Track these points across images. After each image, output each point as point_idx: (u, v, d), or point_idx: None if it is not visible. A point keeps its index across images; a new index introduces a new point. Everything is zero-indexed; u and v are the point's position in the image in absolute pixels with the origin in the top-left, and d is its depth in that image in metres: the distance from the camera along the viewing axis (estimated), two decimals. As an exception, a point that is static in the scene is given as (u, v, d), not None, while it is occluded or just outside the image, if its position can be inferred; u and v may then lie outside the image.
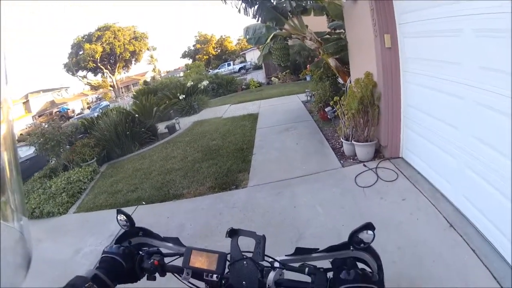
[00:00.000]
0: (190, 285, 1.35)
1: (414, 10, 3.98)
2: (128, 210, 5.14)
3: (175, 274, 1.35)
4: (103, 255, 1.35)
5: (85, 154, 8.72)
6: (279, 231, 4.00)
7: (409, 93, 4.56)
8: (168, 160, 7.77)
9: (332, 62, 7.41)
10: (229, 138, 8.44)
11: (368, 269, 1.20)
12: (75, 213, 6.10)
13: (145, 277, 1.38)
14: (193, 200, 5.43)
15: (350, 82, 5.77)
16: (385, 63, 4.69)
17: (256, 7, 7.20)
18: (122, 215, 1.50)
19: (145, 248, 1.46)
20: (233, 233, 1.33)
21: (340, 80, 7.91)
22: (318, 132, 7.49)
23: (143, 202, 5.72)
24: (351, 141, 5.41)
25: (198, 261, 1.27)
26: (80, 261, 4.28)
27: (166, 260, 1.39)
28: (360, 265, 1.21)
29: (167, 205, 5.47)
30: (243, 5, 7.35)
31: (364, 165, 5.13)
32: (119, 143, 9.66)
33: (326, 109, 7.47)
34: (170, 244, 1.51)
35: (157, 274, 1.37)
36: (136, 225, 1.54)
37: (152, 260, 1.34)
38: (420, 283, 2.90)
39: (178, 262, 1.35)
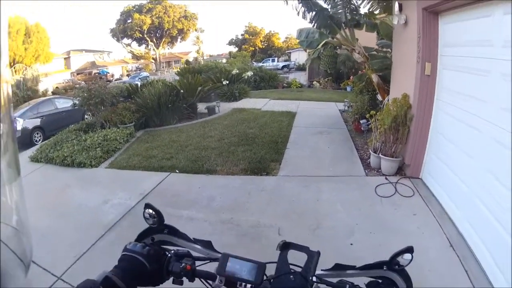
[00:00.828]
0: None
1: (455, 45, 4.25)
2: (160, 175, 5.59)
3: (207, 281, 1.26)
4: (124, 253, 1.25)
5: (124, 116, 9.01)
6: (300, 218, 4.34)
7: (438, 120, 4.78)
8: (205, 138, 8.03)
9: (374, 78, 7.65)
10: (266, 129, 8.68)
11: None
12: (107, 168, 6.39)
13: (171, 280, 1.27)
14: (225, 177, 5.76)
15: (388, 100, 5.98)
16: (422, 88, 4.92)
17: (314, 13, 7.48)
18: (150, 210, 1.35)
19: (172, 249, 1.34)
20: (285, 247, 1.28)
21: (379, 97, 8.10)
22: (350, 141, 7.71)
23: (177, 171, 6.00)
24: (379, 154, 5.66)
25: (235, 269, 1.18)
26: (108, 210, 4.57)
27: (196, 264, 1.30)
28: None
29: (199, 177, 5.78)
30: (303, 9, 7.63)
31: (386, 178, 5.39)
32: (159, 113, 9.94)
33: (361, 121, 7.65)
34: (199, 247, 1.42)
35: (184, 279, 1.27)
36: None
37: (184, 265, 1.22)
38: (415, 284, 3.19)
39: (205, 267, 1.27)
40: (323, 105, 13.16)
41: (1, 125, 0.54)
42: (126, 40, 51.27)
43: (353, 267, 1.34)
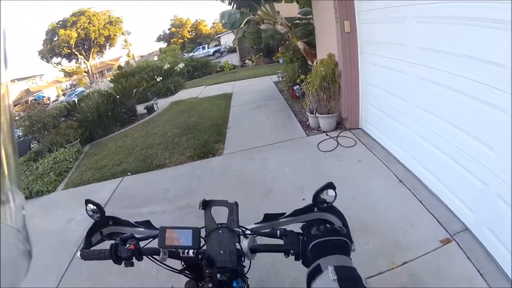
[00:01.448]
0: (167, 267, 1.34)
1: (369, 0, 4.52)
2: (114, 181, 5.69)
3: (153, 257, 1.33)
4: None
5: (69, 135, 8.86)
6: (252, 187, 4.60)
7: (366, 71, 5.11)
8: (149, 137, 8.13)
9: (300, 45, 7.94)
10: (206, 115, 8.90)
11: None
12: (64, 189, 6.32)
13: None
14: (174, 168, 5.96)
15: (316, 63, 6.26)
16: (345, 45, 5.25)
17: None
18: (91, 205, 1.46)
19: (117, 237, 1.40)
20: (206, 205, 1.32)
21: (310, 62, 8.35)
22: (287, 109, 8.08)
23: (129, 173, 6.12)
24: (315, 114, 5.99)
25: (173, 239, 1.24)
26: (73, 228, 4.57)
27: (142, 244, 1.37)
28: None
29: (151, 174, 5.94)
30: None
31: (327, 134, 5.73)
32: (101, 123, 9.85)
33: (295, 88, 7.96)
34: (142, 228, 1.52)
35: (134, 260, 1.35)
36: (106, 214, 1.52)
37: (128, 246, 1.31)
38: (370, 223, 3.40)
39: (154, 245, 1.35)
40: (258, 81, 13.44)
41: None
42: (55, 59, 49.13)
43: (283, 215, 1.42)
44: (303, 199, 3.72)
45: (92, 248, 1.43)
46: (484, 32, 2.40)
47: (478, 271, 2.62)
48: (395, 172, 4.19)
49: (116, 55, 62.55)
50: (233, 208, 1.29)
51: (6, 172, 0.57)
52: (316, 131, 6.14)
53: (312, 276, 1.00)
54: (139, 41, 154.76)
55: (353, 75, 5.36)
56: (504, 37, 2.17)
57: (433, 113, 3.36)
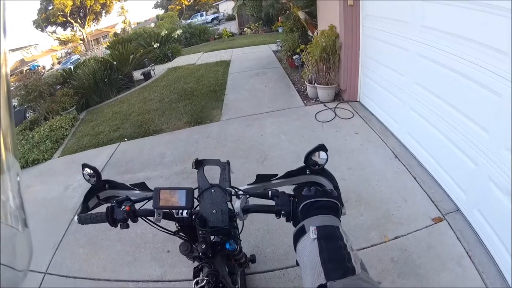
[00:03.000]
0: (161, 228, 1.36)
1: None
2: (111, 147, 5.67)
3: (147, 218, 1.34)
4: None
5: (65, 103, 8.80)
6: (248, 153, 4.62)
7: (367, 45, 5.07)
8: (146, 103, 8.07)
9: (301, 15, 7.74)
10: (203, 81, 8.82)
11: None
12: (60, 157, 6.30)
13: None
14: (171, 133, 5.94)
15: (317, 34, 6.18)
16: (347, 18, 5.18)
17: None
18: (87, 169, 1.45)
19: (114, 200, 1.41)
20: (198, 164, 1.33)
21: (310, 33, 8.25)
22: (286, 77, 8.01)
23: (125, 139, 6.10)
24: (314, 84, 5.96)
25: (167, 200, 1.25)
26: (70, 195, 4.58)
27: (137, 206, 1.37)
28: None
29: (148, 139, 5.92)
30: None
31: (325, 105, 5.72)
32: (97, 90, 9.78)
33: (294, 57, 7.92)
34: (138, 191, 1.53)
35: (131, 224, 1.35)
36: (103, 178, 1.51)
37: (123, 208, 1.31)
38: (364, 195, 3.47)
39: (149, 206, 1.35)
40: (256, 49, 13.27)
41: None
42: (50, 28, 48.12)
43: (275, 176, 1.43)
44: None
45: (89, 212, 1.43)
46: (487, 17, 2.42)
47: (467, 253, 2.68)
48: (391, 147, 4.24)
49: (112, 22, 61.42)
50: (225, 167, 1.32)
51: (2, 140, 0.55)
52: (314, 101, 6.13)
53: (297, 237, 1.00)
54: (135, 8, 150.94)
55: (354, 48, 5.32)
56: (505, 25, 2.19)
57: (431, 91, 3.39)
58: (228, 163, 1.33)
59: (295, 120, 5.48)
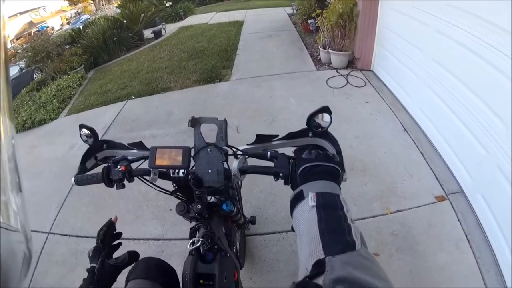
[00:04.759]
0: (158, 188, 1.33)
1: None
2: (118, 105, 5.58)
3: (144, 178, 1.31)
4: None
5: (73, 62, 8.76)
6: (256, 114, 4.53)
7: (385, 15, 4.84)
8: (155, 61, 7.94)
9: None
10: (214, 41, 8.60)
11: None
12: (67, 116, 6.28)
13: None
14: (179, 91, 5.84)
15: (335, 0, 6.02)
16: None
17: None
18: (85, 129, 1.43)
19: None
20: (195, 122, 1.26)
21: None
22: (299, 41, 7.75)
23: (133, 97, 6.02)
24: (328, 49, 5.76)
25: (164, 159, 1.21)
26: (76, 153, 4.54)
27: (134, 166, 1.34)
28: None
29: (155, 97, 5.83)
30: None
31: (337, 71, 5.54)
32: (106, 49, 9.70)
33: (309, 21, 7.63)
34: (135, 150, 1.49)
35: (129, 183, 1.33)
36: (101, 139, 1.48)
37: (119, 167, 1.28)
38: (370, 165, 3.42)
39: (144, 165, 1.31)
40: (271, 11, 12.88)
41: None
42: (59, -12, 47.58)
43: (276, 137, 1.38)
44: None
45: (86, 173, 1.40)
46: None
47: (466, 236, 2.68)
48: (401, 119, 4.13)
49: (123, -20, 60.37)
50: (222, 125, 1.23)
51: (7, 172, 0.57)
52: (326, 66, 5.94)
53: (294, 202, 0.96)
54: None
55: (372, 17, 5.08)
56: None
57: (448, 70, 3.25)
58: (225, 121, 1.24)
59: (306, 84, 5.32)
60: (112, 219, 1.41)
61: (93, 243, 1.27)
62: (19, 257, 0.62)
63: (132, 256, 1.30)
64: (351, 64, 5.77)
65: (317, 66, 6.00)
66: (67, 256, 3.05)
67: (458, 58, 3.03)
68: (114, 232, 1.38)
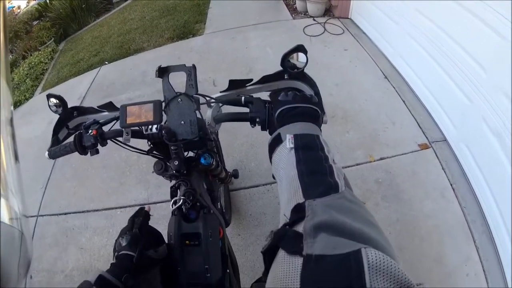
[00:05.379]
0: (133, 149, 1.29)
1: None
2: (92, 73, 5.47)
3: (117, 140, 1.26)
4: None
5: (42, 37, 8.48)
6: (232, 66, 4.47)
7: None
8: (126, 23, 7.72)
9: None
10: (186, -4, 8.42)
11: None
12: (42, 93, 6.16)
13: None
14: (153, 51, 5.71)
15: None
16: None
17: None
18: (52, 99, 1.36)
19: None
20: (162, 72, 1.24)
21: None
22: (274, -9, 7.55)
23: (106, 62, 5.89)
24: (304, -3, 5.59)
25: (135, 117, 1.15)
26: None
27: (106, 128, 1.27)
28: None
29: (128, 60, 5.70)
30: None
31: (314, 19, 5.39)
32: (75, 18, 9.35)
33: (283, -33, 7.47)
34: (106, 112, 1.45)
35: (102, 149, 1.28)
36: (70, 106, 1.43)
37: (90, 132, 1.22)
38: (351, 113, 3.42)
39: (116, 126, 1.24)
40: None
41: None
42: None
43: (250, 81, 1.34)
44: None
45: (59, 145, 1.36)
46: None
47: (451, 185, 2.75)
48: (381, 67, 4.12)
49: None
50: (191, 71, 1.19)
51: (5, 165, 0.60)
52: (303, 15, 5.79)
53: (272, 147, 0.92)
54: None
55: None
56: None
57: (432, 21, 3.19)
58: (194, 67, 1.20)
59: (282, 33, 5.22)
60: (146, 209, 1.35)
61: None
62: (18, 257, 0.61)
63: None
64: (328, 12, 5.62)
65: (293, 15, 5.85)
66: (58, 236, 3.07)
67: (441, 8, 2.99)
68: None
